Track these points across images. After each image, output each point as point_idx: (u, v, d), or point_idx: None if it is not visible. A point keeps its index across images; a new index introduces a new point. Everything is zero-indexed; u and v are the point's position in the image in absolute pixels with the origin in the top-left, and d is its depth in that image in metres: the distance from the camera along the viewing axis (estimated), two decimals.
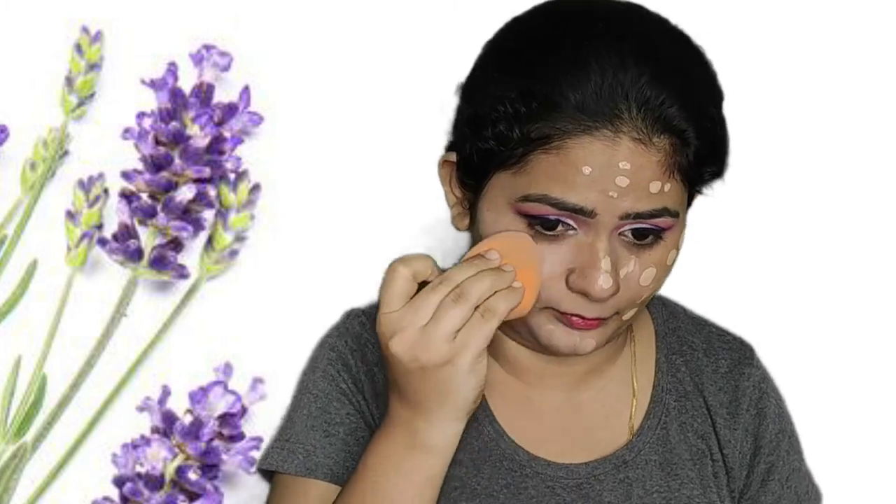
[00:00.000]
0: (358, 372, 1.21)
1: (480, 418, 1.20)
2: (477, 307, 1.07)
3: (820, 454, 1.32)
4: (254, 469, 1.25)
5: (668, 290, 1.28)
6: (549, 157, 1.10)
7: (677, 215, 1.12)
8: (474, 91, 1.16)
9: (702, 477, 1.22)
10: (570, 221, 1.10)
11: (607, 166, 1.09)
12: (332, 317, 1.29)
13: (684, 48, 1.14)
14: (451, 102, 1.20)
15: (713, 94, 1.14)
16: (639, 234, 1.11)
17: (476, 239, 1.17)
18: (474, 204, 1.16)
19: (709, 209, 1.23)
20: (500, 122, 1.11)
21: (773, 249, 1.45)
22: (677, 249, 1.14)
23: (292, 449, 1.20)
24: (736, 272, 1.44)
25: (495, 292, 1.08)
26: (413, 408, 1.09)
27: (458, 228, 1.19)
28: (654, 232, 1.11)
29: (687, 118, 1.10)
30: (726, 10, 1.43)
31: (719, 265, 1.43)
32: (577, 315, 1.12)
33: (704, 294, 1.35)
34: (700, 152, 1.11)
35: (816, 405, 1.39)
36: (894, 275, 1.46)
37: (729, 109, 1.17)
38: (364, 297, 1.30)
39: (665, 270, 1.14)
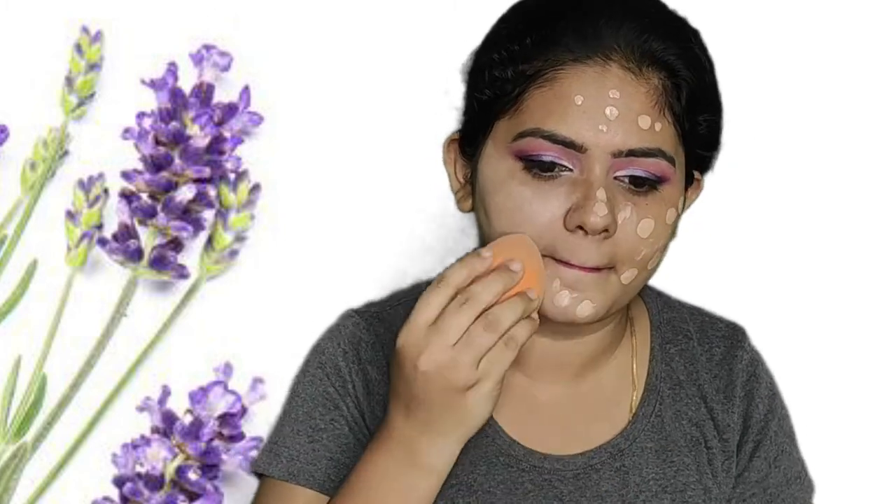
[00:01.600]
0: (349, 372, 1.21)
1: None
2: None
3: (815, 447, 1.32)
4: (249, 474, 1.26)
5: (664, 282, 1.29)
6: (542, 91, 1.13)
7: (673, 163, 1.13)
8: (476, 54, 1.20)
9: (697, 464, 1.23)
10: (565, 160, 1.12)
11: (597, 95, 1.11)
12: (332, 317, 1.28)
13: (674, 13, 1.19)
14: (455, 93, 1.21)
15: (704, 52, 1.18)
16: (635, 181, 1.12)
17: (479, 217, 1.17)
18: (474, 174, 1.17)
19: (706, 202, 1.24)
20: (496, 67, 1.15)
21: (767, 240, 1.45)
22: (676, 211, 1.15)
23: (277, 452, 1.20)
24: (732, 263, 1.45)
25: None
26: (420, 427, 1.09)
27: (461, 210, 1.20)
28: (650, 181, 1.12)
29: (676, 55, 1.14)
30: (727, 9, 1.44)
31: (716, 256, 1.43)
32: (572, 264, 1.13)
33: (700, 284, 1.35)
34: (692, 96, 1.14)
35: (810, 396, 1.39)
36: (887, 267, 1.46)
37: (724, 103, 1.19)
38: (364, 297, 1.30)
39: (664, 228, 1.15)
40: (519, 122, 1.13)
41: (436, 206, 1.26)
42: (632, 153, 1.12)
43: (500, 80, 1.15)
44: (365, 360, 1.21)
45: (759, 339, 1.30)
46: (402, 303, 1.25)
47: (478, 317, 1.07)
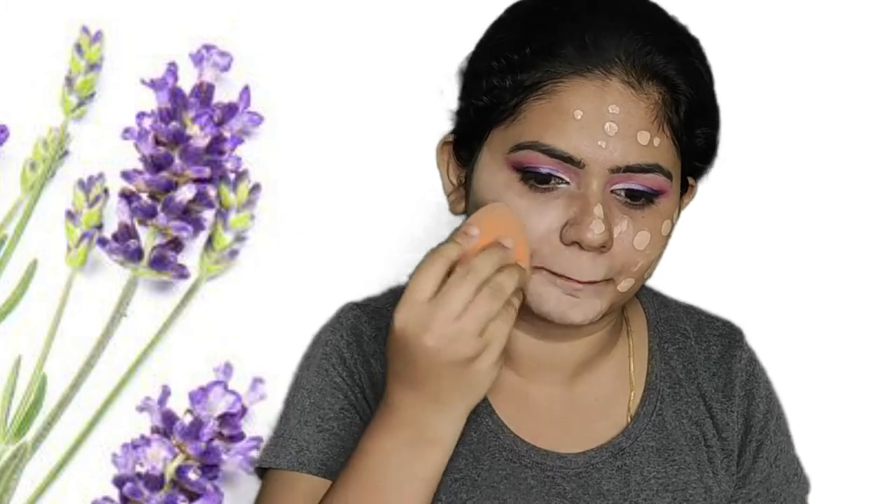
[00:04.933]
0: (355, 364, 1.20)
1: (479, 410, 1.20)
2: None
3: (810, 445, 1.33)
4: (251, 471, 1.25)
5: (660, 282, 1.29)
6: (541, 103, 1.12)
7: (670, 177, 1.12)
8: (472, 59, 1.19)
9: (698, 462, 1.23)
10: (562, 174, 1.11)
11: (597, 110, 1.10)
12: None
13: (674, 22, 1.18)
14: (450, 94, 1.21)
15: (704, 63, 1.17)
16: (632, 195, 1.12)
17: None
18: (469, 180, 1.17)
19: (702, 204, 1.24)
20: (495, 76, 1.14)
21: (762, 242, 1.46)
22: (671, 222, 1.15)
23: (285, 444, 1.19)
24: (727, 263, 1.45)
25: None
26: (427, 403, 1.08)
27: (454, 213, 1.20)
28: (647, 194, 1.12)
29: (677, 70, 1.13)
30: (729, 9, 1.44)
31: (711, 256, 1.44)
32: (569, 278, 1.12)
33: (696, 284, 1.35)
34: (691, 109, 1.13)
35: (806, 395, 1.39)
36: (883, 267, 1.47)
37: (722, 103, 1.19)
38: (364, 297, 1.29)
39: (660, 240, 1.14)
40: (516, 132, 1.13)
41: (436, 207, 1.26)
42: (629, 169, 1.11)
43: (497, 88, 1.14)
44: (368, 353, 1.21)
45: (755, 339, 1.30)
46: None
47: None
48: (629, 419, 1.22)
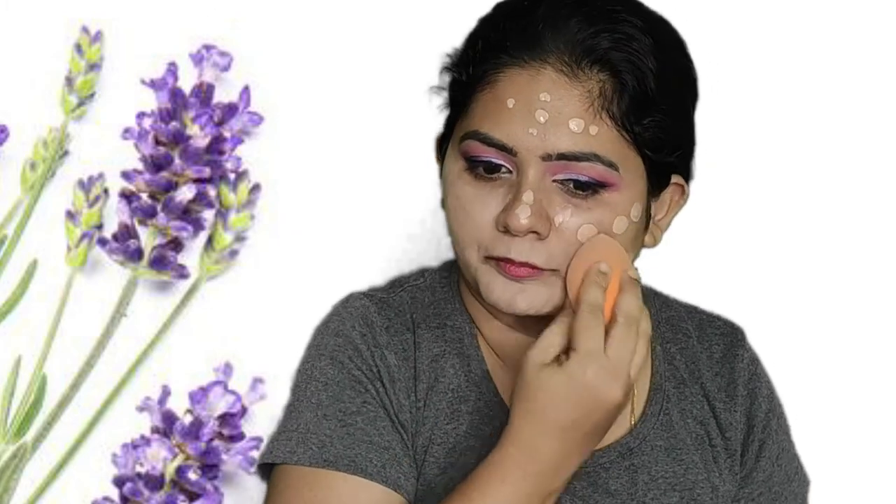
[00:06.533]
0: (371, 356, 1.18)
1: (494, 407, 1.20)
2: None
3: (810, 443, 1.33)
4: (253, 469, 1.25)
5: (660, 281, 1.29)
6: (484, 94, 1.14)
7: (615, 168, 1.12)
8: (452, 56, 1.21)
9: (704, 461, 1.23)
10: (503, 162, 1.13)
11: (528, 98, 1.12)
12: None
13: (642, 15, 1.16)
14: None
15: (662, 54, 1.15)
16: (578, 185, 1.12)
17: (447, 213, 1.18)
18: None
19: (703, 203, 1.24)
20: (455, 70, 1.18)
21: (763, 241, 1.46)
22: (629, 218, 1.14)
23: (302, 440, 1.16)
24: (727, 263, 1.45)
25: None
26: (578, 452, 1.11)
27: (442, 207, 1.21)
28: (591, 185, 1.12)
29: (621, 58, 1.12)
30: (733, 9, 1.44)
31: (711, 256, 1.44)
32: (506, 259, 1.13)
33: (696, 284, 1.35)
34: (634, 99, 1.12)
35: (806, 394, 1.39)
36: (883, 267, 1.47)
37: (716, 104, 1.19)
38: None
39: (610, 235, 1.14)
40: (466, 124, 1.15)
41: (435, 206, 1.26)
42: (563, 157, 1.12)
43: (457, 82, 1.17)
44: (382, 345, 1.19)
45: (756, 338, 1.30)
46: (406, 288, 1.24)
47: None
48: (636, 419, 1.22)
